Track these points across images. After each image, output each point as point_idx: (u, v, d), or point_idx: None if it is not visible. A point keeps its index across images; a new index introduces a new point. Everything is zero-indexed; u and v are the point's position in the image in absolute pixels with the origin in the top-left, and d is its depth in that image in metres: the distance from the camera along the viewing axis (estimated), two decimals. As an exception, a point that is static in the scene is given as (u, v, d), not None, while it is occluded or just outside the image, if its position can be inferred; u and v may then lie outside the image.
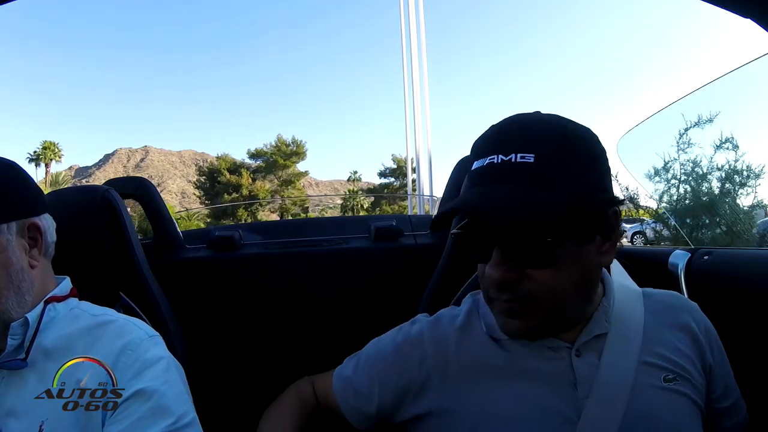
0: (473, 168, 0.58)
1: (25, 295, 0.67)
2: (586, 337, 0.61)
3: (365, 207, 32.56)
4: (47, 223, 0.73)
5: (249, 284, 1.42)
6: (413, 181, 15.22)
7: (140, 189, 1.31)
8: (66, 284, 0.75)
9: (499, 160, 0.55)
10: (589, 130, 0.59)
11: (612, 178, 0.60)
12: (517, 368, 0.61)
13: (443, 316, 0.71)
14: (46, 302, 0.69)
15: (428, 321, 0.70)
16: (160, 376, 0.65)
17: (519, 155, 0.54)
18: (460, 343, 0.65)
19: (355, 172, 42.37)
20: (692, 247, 1.06)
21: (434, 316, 0.72)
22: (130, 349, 0.66)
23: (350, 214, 29.13)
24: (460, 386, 0.62)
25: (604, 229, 0.58)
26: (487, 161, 0.56)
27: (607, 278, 0.67)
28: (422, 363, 0.65)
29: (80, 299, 0.76)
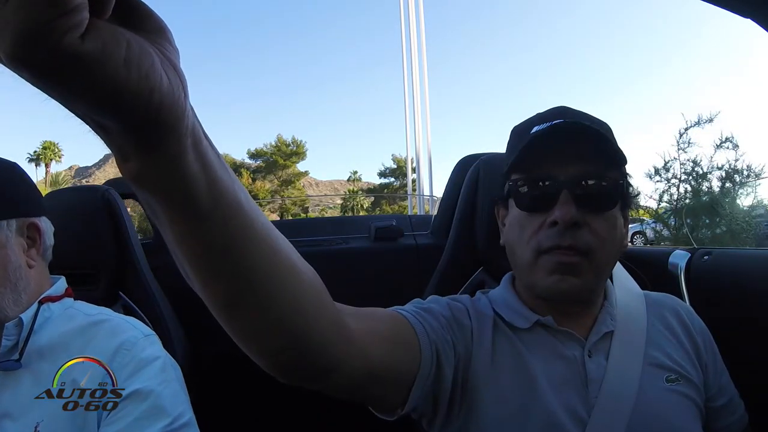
0: (534, 131, 0.62)
1: (22, 294, 0.67)
2: (596, 336, 0.63)
3: (365, 207, 32.56)
4: (46, 225, 0.73)
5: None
6: (413, 181, 15.23)
7: (140, 189, 1.31)
8: (61, 284, 0.75)
9: (564, 123, 0.61)
10: None
11: None
12: (533, 361, 0.61)
13: (478, 296, 0.72)
14: (41, 302, 0.69)
15: (468, 297, 0.70)
16: (156, 376, 0.65)
17: (583, 122, 0.60)
18: (493, 325, 0.65)
19: (355, 172, 42.34)
20: (692, 247, 1.06)
21: (467, 296, 0.71)
22: (126, 348, 0.66)
23: (350, 214, 29.13)
24: (482, 370, 0.60)
25: (626, 214, 0.66)
26: (552, 123, 0.61)
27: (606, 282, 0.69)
28: (467, 335, 0.62)
29: (81, 299, 0.76)
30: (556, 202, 0.59)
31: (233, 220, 0.31)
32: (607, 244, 0.60)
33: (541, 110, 0.68)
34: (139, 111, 0.24)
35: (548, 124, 0.62)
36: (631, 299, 0.68)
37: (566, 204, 0.58)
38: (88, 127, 0.26)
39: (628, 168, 0.64)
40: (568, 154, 0.60)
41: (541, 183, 0.61)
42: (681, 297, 0.97)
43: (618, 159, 0.61)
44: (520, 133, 0.68)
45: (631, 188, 0.65)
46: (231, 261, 0.32)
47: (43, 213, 0.73)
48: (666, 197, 6.01)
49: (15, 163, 0.73)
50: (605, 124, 0.66)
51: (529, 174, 0.62)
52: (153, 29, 0.26)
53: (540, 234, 0.60)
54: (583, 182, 0.59)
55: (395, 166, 34.99)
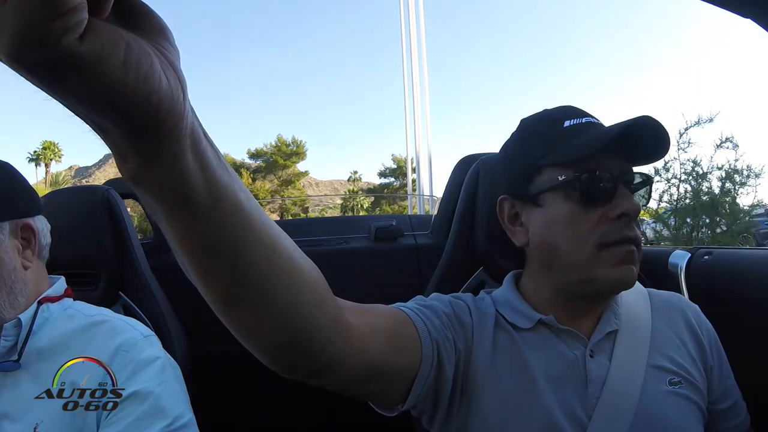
0: (569, 125, 0.63)
1: (18, 296, 0.66)
2: (598, 336, 0.62)
3: (365, 207, 32.55)
4: (41, 224, 0.73)
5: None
6: (413, 181, 15.23)
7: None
8: (60, 284, 0.75)
9: (597, 121, 0.63)
10: None
11: None
12: (534, 360, 0.61)
13: (482, 295, 0.71)
14: (39, 303, 0.68)
15: (470, 296, 0.70)
16: (155, 377, 0.64)
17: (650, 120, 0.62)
18: (494, 323, 0.64)
19: (355, 172, 42.39)
20: (692, 247, 1.05)
21: (469, 294, 0.71)
22: (125, 349, 0.65)
23: (350, 214, 29.13)
24: (482, 369, 0.60)
25: None
26: (585, 120, 0.62)
27: None
28: (468, 333, 0.62)
29: (81, 299, 0.76)
30: (613, 196, 0.59)
31: (232, 219, 0.31)
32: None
33: (543, 109, 0.68)
34: (137, 113, 0.24)
35: (581, 120, 0.62)
36: (635, 298, 0.68)
37: (628, 197, 0.59)
38: (87, 126, 0.26)
39: None
40: (621, 150, 0.59)
41: (601, 177, 0.59)
42: (681, 297, 0.97)
43: (661, 157, 0.62)
44: (550, 126, 0.64)
45: None
46: (229, 259, 0.33)
47: (37, 212, 0.73)
48: (666, 197, 6.01)
49: (7, 162, 0.72)
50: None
51: (584, 168, 0.59)
52: (153, 29, 0.26)
53: (602, 227, 0.59)
54: (634, 177, 0.62)
55: (395, 166, 34.99)
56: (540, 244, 0.63)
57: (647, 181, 0.65)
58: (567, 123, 0.62)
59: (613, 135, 0.57)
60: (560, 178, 0.60)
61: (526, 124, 0.69)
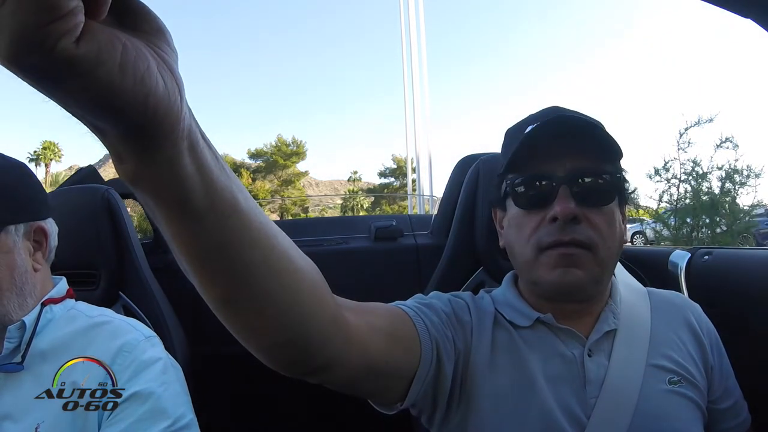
0: (530, 129, 0.62)
1: (27, 298, 0.67)
2: (596, 335, 0.62)
3: (365, 207, 32.54)
4: (52, 227, 0.73)
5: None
6: (413, 181, 15.24)
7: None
8: (62, 285, 0.75)
9: (558, 118, 0.61)
10: None
11: None
12: (532, 359, 0.60)
13: (482, 294, 0.72)
14: (43, 304, 0.68)
15: (469, 294, 0.70)
16: (157, 378, 0.64)
17: (578, 116, 0.61)
18: (493, 322, 0.65)
19: (355, 172, 42.38)
20: (692, 247, 1.06)
21: (468, 293, 0.71)
22: (127, 350, 0.66)
23: (350, 214, 29.13)
24: (481, 367, 0.60)
25: (623, 210, 0.65)
26: (546, 120, 0.61)
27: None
28: (467, 331, 0.63)
29: (81, 299, 0.76)
30: (554, 198, 0.59)
31: (229, 220, 0.32)
32: (607, 238, 0.59)
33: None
34: (133, 115, 0.24)
35: (544, 122, 0.62)
36: (635, 298, 0.68)
37: (565, 199, 0.58)
38: (86, 128, 0.27)
39: (626, 165, 0.64)
40: (564, 150, 0.60)
41: (538, 180, 0.61)
42: (681, 297, 0.97)
43: (614, 152, 0.61)
44: (513, 133, 0.68)
45: (627, 183, 0.64)
46: (227, 259, 0.33)
47: (49, 215, 0.73)
48: (666, 197, 6.02)
49: (23, 163, 0.72)
50: (599, 121, 0.65)
51: (525, 172, 0.62)
52: (151, 30, 0.26)
53: (540, 231, 0.60)
54: (581, 178, 0.59)
55: (395, 166, 34.99)
56: (506, 247, 0.68)
57: (594, 182, 0.60)
58: (529, 128, 0.63)
59: (518, 145, 0.60)
60: (505, 185, 0.65)
61: (504, 133, 0.72)
